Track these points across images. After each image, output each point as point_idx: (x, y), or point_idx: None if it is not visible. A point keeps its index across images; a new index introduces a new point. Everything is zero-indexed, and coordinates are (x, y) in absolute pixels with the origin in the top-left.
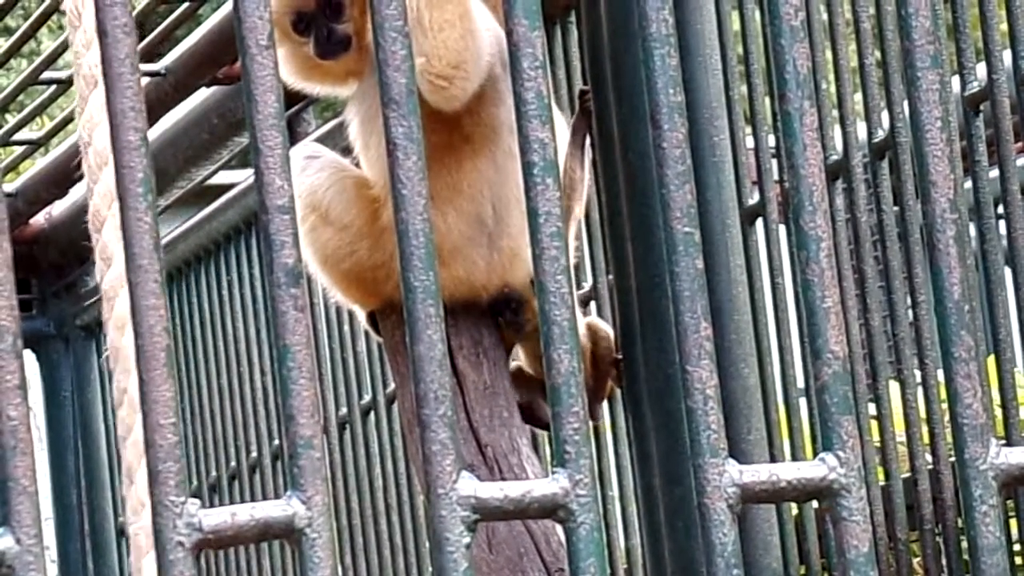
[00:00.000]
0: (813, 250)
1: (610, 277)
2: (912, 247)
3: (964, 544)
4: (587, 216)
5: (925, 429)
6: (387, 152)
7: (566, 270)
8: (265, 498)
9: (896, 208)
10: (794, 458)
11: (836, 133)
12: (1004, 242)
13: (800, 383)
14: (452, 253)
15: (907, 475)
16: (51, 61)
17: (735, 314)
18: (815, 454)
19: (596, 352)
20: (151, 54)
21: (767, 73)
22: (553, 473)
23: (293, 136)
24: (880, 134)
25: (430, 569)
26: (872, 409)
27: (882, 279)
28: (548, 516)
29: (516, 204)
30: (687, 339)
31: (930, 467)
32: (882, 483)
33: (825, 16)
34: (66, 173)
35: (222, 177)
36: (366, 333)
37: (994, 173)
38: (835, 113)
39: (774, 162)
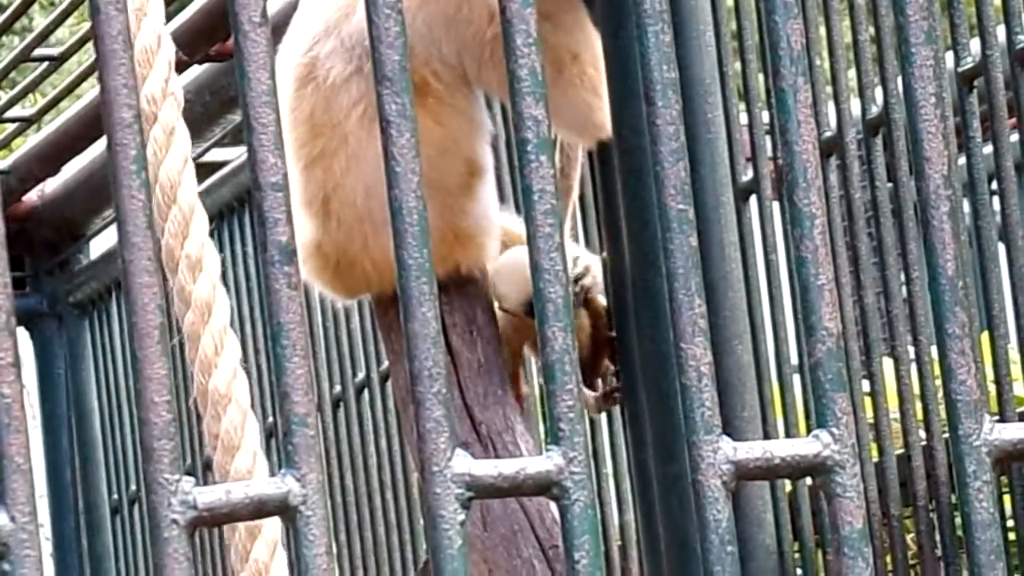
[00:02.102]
0: (807, 227)
1: (604, 255)
2: (906, 223)
3: (958, 520)
4: (581, 194)
5: (919, 405)
6: (380, 130)
7: (560, 248)
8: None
9: (890, 184)
10: (788, 435)
11: (830, 109)
12: (998, 218)
13: (794, 360)
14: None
15: (901, 451)
16: (43, 38)
17: (729, 291)
18: (809, 431)
19: (596, 330)
20: None
21: (761, 49)
22: (547, 450)
23: None
24: (874, 110)
25: (425, 547)
26: (866, 385)
27: (876, 255)
28: (542, 493)
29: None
30: (681, 316)
31: (924, 443)
32: (876, 459)
33: None
34: (59, 150)
35: (215, 155)
36: (360, 310)
37: (988, 149)
38: (829, 89)
39: (768, 139)
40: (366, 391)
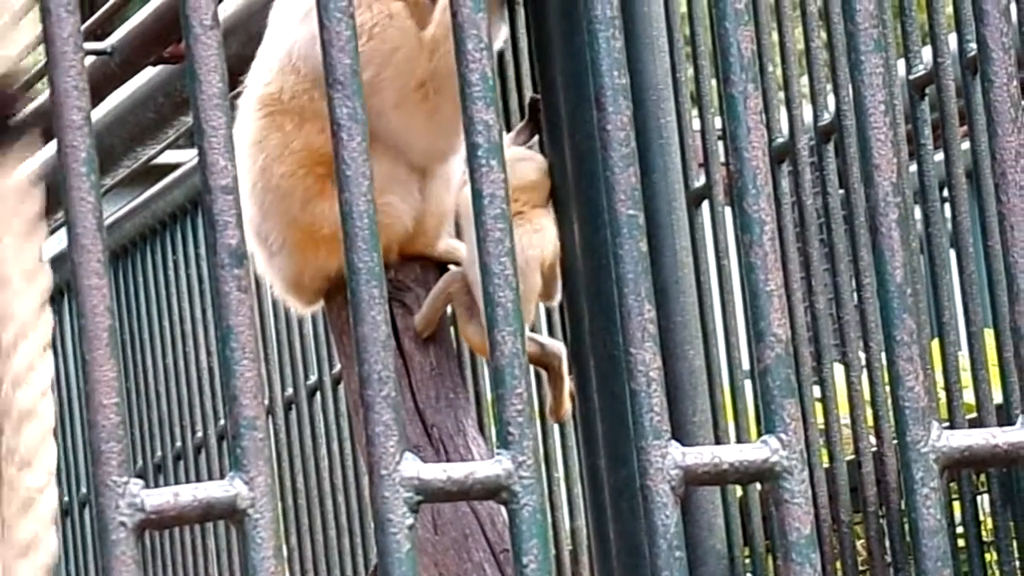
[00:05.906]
0: (756, 233)
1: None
2: (857, 230)
3: (907, 526)
4: None
5: (869, 412)
6: (331, 133)
7: (510, 252)
8: (211, 478)
9: (842, 191)
10: (739, 440)
11: (782, 116)
12: (949, 225)
13: (746, 365)
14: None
15: (851, 457)
16: None
17: (681, 296)
18: (760, 436)
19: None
20: (98, 32)
21: (714, 55)
22: (496, 454)
23: None
24: (826, 117)
25: (375, 550)
26: (817, 391)
27: (827, 262)
28: (491, 497)
29: None
30: (630, 321)
31: (874, 449)
32: (826, 465)
33: None
34: None
35: (168, 157)
36: (312, 313)
37: (939, 156)
38: (781, 96)
39: (721, 144)
40: (318, 394)
